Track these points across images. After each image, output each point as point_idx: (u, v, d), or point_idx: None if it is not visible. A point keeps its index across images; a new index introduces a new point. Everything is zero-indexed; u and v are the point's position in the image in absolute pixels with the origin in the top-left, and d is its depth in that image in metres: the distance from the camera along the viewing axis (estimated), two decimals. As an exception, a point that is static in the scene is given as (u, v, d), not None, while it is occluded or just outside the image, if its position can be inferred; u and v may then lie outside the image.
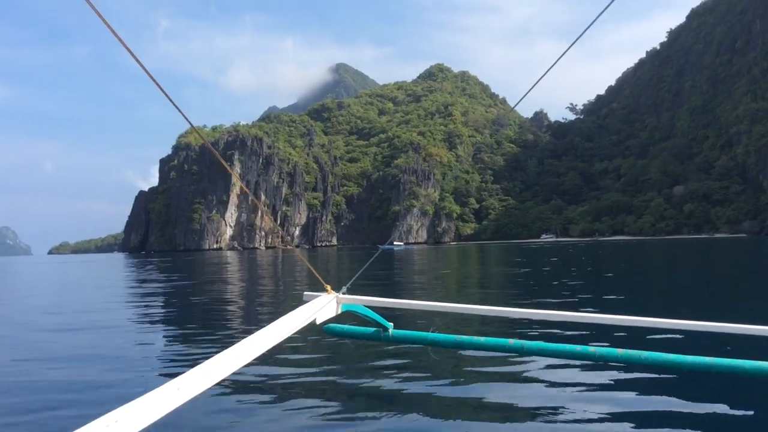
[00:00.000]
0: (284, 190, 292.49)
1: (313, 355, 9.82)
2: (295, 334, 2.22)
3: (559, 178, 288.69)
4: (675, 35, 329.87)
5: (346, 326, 2.90)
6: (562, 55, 2.55)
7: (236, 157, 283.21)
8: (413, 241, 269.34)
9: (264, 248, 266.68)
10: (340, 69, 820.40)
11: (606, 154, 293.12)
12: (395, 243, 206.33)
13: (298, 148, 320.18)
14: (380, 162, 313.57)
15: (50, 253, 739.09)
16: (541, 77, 2.68)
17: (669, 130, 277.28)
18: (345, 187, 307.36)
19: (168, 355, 11.76)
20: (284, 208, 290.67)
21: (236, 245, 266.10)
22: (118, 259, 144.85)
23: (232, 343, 1.87)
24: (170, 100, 1.97)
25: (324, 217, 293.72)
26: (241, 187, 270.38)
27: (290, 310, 2.31)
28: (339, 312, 2.62)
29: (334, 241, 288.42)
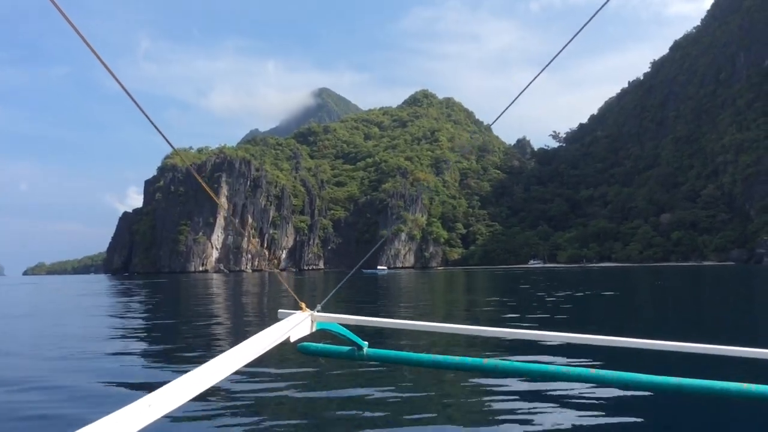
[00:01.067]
0: (272, 212, 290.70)
1: (286, 372, 9.70)
2: (269, 351, 2.20)
3: (545, 204, 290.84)
4: (658, 66, 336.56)
5: (320, 345, 2.86)
6: (537, 75, 2.61)
7: (224, 179, 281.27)
8: (401, 266, 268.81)
9: (251, 271, 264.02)
10: (322, 93, 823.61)
11: (591, 181, 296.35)
12: (379, 267, 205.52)
13: (284, 171, 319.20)
14: (367, 186, 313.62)
15: (25, 273, 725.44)
16: (518, 95, 2.71)
17: (653, 158, 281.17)
18: (332, 211, 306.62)
19: (138, 372, 11.55)
20: (271, 231, 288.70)
21: (222, 268, 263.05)
22: (101, 280, 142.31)
23: (207, 360, 1.85)
24: (153, 124, 1.97)
25: (311, 240, 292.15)
26: (228, 210, 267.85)
27: (264, 328, 2.30)
28: (314, 330, 2.60)
29: (321, 265, 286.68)
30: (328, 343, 2.89)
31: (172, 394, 1.60)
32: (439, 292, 47.67)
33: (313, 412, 7.59)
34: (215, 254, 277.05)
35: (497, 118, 2.99)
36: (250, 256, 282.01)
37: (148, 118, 1.92)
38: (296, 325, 2.45)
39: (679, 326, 19.70)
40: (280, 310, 2.59)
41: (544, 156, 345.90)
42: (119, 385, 10.79)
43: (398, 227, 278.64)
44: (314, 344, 2.83)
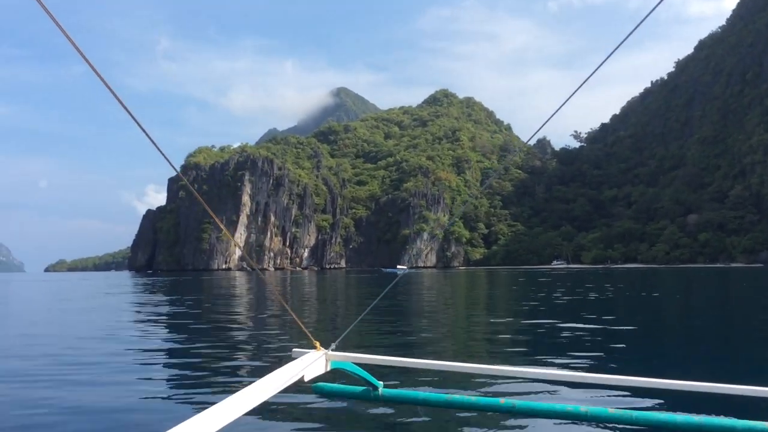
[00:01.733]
0: (294, 211, 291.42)
1: (300, 413, 9.24)
2: (282, 391, 2.18)
3: (567, 204, 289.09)
4: (682, 66, 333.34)
5: (335, 385, 2.85)
6: (573, 93, 2.57)
7: (246, 177, 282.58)
8: (422, 265, 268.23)
9: (273, 269, 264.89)
10: (341, 93, 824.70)
11: (615, 181, 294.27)
12: (398, 267, 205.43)
13: (306, 169, 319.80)
14: (388, 185, 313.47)
15: (47, 270, 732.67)
16: (554, 114, 2.68)
17: (679, 159, 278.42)
18: (353, 210, 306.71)
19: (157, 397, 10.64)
20: (294, 230, 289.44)
21: (245, 266, 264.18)
22: (126, 278, 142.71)
23: (223, 397, 1.82)
24: (156, 146, 1.97)
25: (333, 239, 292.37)
26: (251, 209, 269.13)
27: (278, 367, 2.28)
28: (328, 369, 2.58)
29: (343, 264, 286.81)
30: (343, 383, 2.87)
31: None
32: (460, 291, 46.93)
33: None
34: (238, 252, 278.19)
35: (532, 136, 2.96)
36: (272, 254, 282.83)
37: (152, 141, 1.95)
38: (310, 364, 2.45)
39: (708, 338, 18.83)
40: (294, 349, 2.60)
41: (566, 156, 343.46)
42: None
43: (420, 226, 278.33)
44: (329, 384, 2.82)
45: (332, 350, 2.62)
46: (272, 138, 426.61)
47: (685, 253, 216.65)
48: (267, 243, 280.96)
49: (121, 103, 1.81)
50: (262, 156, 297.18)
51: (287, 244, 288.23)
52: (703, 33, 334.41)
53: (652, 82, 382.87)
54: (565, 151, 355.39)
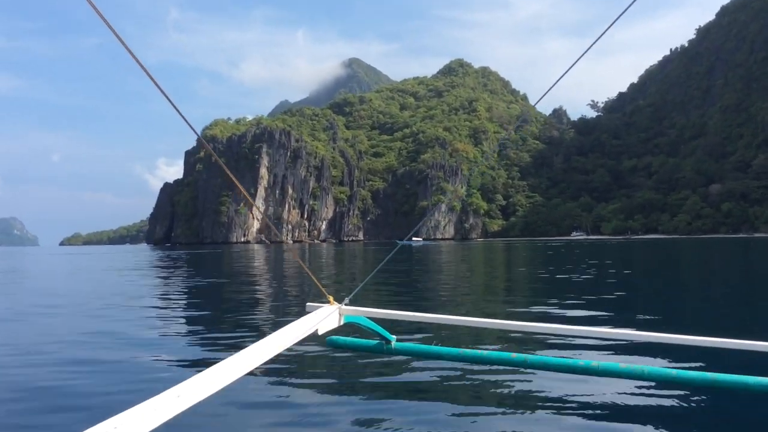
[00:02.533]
0: (311, 184, 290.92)
1: (315, 366, 9.73)
2: (296, 344, 2.21)
3: (587, 175, 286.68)
4: (704, 33, 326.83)
5: (348, 338, 2.90)
6: (582, 55, 2.59)
7: (264, 150, 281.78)
8: (440, 237, 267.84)
9: (291, 242, 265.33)
10: (353, 63, 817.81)
11: (635, 151, 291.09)
12: (414, 239, 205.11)
13: (322, 141, 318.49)
14: (405, 157, 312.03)
15: (62, 244, 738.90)
16: (562, 76, 2.69)
17: (700, 128, 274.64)
18: (370, 182, 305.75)
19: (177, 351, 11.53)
20: (311, 202, 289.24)
21: (263, 238, 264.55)
22: (145, 250, 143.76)
23: (237, 350, 1.89)
24: (181, 115, 2.01)
25: (351, 211, 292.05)
26: (269, 181, 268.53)
27: (292, 320, 2.33)
28: (341, 323, 2.62)
29: (361, 236, 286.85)
30: (356, 336, 2.92)
31: (201, 385, 1.64)
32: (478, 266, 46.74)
33: (339, 405, 7.50)
34: (256, 225, 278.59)
35: (540, 98, 2.96)
36: (290, 227, 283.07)
37: (175, 108, 1.96)
38: (324, 318, 2.47)
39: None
40: (308, 303, 2.63)
41: (584, 126, 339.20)
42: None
43: (438, 197, 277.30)
44: (342, 338, 2.86)
45: (345, 305, 2.64)
46: (287, 110, 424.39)
47: (707, 223, 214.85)
48: (285, 216, 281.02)
49: (148, 73, 1.81)
50: (279, 128, 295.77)
51: (305, 216, 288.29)
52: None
53: (671, 49, 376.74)
54: (583, 121, 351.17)
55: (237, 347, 1.93)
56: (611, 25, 2.45)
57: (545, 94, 2.91)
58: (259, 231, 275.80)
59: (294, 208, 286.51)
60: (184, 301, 21.68)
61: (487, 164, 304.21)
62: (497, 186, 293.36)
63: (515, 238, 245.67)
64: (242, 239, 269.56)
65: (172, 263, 57.70)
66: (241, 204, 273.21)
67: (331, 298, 2.64)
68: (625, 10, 2.46)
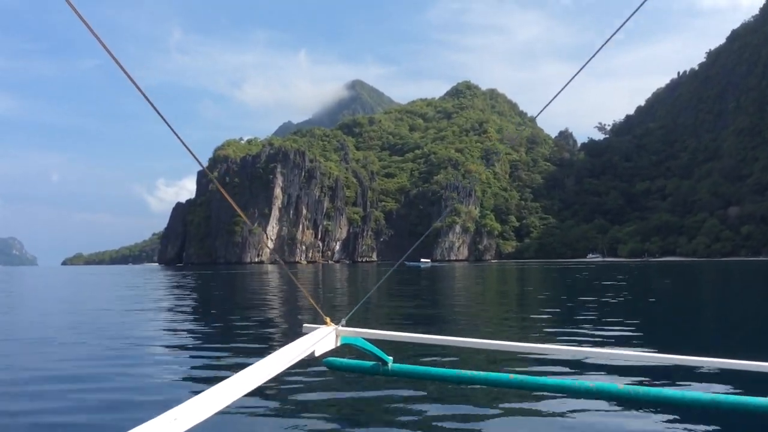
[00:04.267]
0: (326, 204, 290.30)
1: (312, 387, 9.74)
2: (294, 366, 2.20)
3: (599, 197, 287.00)
4: (714, 56, 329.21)
5: (345, 360, 2.88)
6: (581, 68, 2.56)
7: (278, 170, 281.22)
8: (455, 258, 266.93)
9: (305, 262, 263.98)
10: (356, 85, 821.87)
11: (647, 174, 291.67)
12: (422, 260, 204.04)
13: (333, 162, 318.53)
14: (417, 178, 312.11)
15: (64, 263, 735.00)
16: (563, 88, 2.67)
17: (713, 151, 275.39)
18: (383, 203, 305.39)
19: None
20: (325, 223, 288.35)
21: (278, 259, 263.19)
22: (156, 271, 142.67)
23: (237, 371, 1.90)
24: (178, 136, 1.98)
25: (365, 232, 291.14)
26: (283, 201, 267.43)
27: (289, 342, 2.33)
28: (338, 345, 2.60)
29: (375, 257, 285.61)
30: (353, 358, 2.92)
31: (198, 408, 1.61)
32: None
33: (338, 424, 7.63)
34: (270, 245, 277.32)
35: (542, 111, 2.94)
36: (304, 247, 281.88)
37: (177, 135, 1.96)
38: (321, 339, 2.46)
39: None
40: (305, 325, 2.62)
41: (595, 148, 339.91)
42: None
43: (452, 218, 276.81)
44: (339, 359, 2.85)
45: (342, 326, 2.64)
46: (297, 131, 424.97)
47: (727, 246, 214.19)
48: (299, 236, 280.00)
49: (146, 98, 1.79)
50: (294, 148, 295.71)
51: (319, 237, 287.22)
52: (719, 25, 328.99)
53: (679, 73, 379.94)
54: (593, 143, 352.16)
55: (234, 368, 1.95)
56: (613, 35, 2.47)
57: (547, 105, 2.87)
58: (273, 251, 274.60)
59: (308, 229, 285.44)
60: (186, 321, 22.04)
61: (500, 186, 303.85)
62: (510, 207, 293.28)
63: (530, 259, 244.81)
64: (256, 259, 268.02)
65: (193, 282, 59.49)
66: (255, 224, 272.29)
67: (328, 319, 2.64)
68: (627, 19, 2.46)
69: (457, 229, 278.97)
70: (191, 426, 1.55)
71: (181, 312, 25.10)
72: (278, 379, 8.93)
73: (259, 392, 8.15)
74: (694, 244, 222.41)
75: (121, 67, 1.68)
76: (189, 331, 18.53)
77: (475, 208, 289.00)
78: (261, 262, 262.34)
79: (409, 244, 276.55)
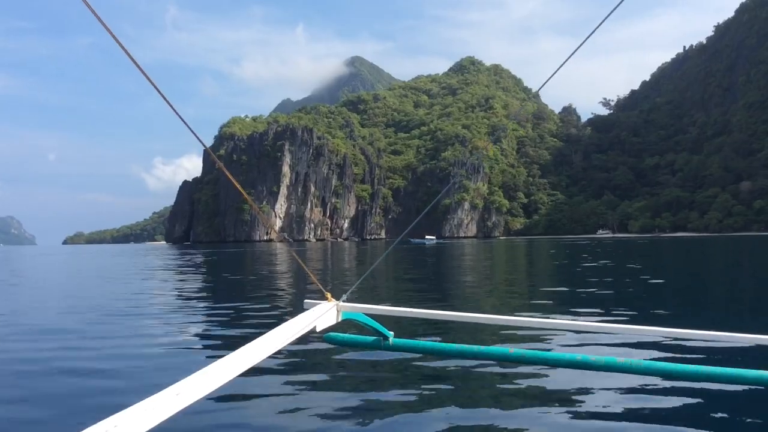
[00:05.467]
0: (334, 181, 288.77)
1: (313, 362, 9.85)
2: (295, 341, 2.23)
3: (608, 172, 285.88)
4: (723, 30, 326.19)
5: (346, 335, 2.90)
6: (582, 42, 2.57)
7: (287, 147, 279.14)
8: (463, 235, 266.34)
9: (314, 240, 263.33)
10: (355, 62, 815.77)
11: (655, 149, 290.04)
12: (426, 237, 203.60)
13: (339, 139, 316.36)
14: (424, 155, 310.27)
15: (65, 243, 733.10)
16: (565, 61, 2.68)
17: (722, 125, 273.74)
18: (390, 180, 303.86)
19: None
20: (334, 200, 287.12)
21: (286, 237, 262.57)
22: (165, 249, 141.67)
23: (236, 348, 1.91)
24: (184, 121, 2.00)
25: (373, 209, 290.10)
26: (291, 179, 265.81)
27: (291, 317, 2.34)
28: (339, 320, 2.61)
29: (383, 234, 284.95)
30: (354, 333, 2.92)
31: (200, 383, 1.63)
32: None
33: (337, 401, 7.61)
34: (279, 223, 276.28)
35: (543, 84, 2.93)
36: (313, 225, 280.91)
37: (178, 115, 1.94)
38: (322, 314, 2.47)
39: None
40: (306, 300, 2.62)
41: (601, 123, 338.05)
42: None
43: (461, 195, 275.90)
44: (340, 334, 2.87)
45: (343, 301, 2.65)
46: (302, 107, 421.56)
47: (739, 221, 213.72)
48: (307, 214, 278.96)
49: (147, 77, 1.80)
50: (302, 125, 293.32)
51: (327, 215, 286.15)
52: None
53: (685, 47, 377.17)
54: (600, 118, 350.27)
55: (237, 344, 2.02)
56: (613, 10, 2.50)
57: (550, 78, 2.85)
58: (281, 229, 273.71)
59: (316, 206, 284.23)
60: (192, 298, 21.84)
61: (508, 162, 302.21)
62: (518, 184, 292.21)
63: (538, 236, 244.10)
64: (265, 237, 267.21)
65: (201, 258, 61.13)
66: (264, 202, 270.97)
67: (329, 295, 2.64)
68: (620, 2, 2.49)
69: (466, 206, 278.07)
70: (193, 401, 1.58)
71: (186, 291, 24.90)
72: (280, 355, 9.08)
73: (260, 367, 8.43)
74: (705, 219, 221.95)
75: (121, 46, 1.68)
76: (192, 308, 18.52)
77: (484, 185, 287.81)
78: (270, 240, 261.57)
79: (419, 221, 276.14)
